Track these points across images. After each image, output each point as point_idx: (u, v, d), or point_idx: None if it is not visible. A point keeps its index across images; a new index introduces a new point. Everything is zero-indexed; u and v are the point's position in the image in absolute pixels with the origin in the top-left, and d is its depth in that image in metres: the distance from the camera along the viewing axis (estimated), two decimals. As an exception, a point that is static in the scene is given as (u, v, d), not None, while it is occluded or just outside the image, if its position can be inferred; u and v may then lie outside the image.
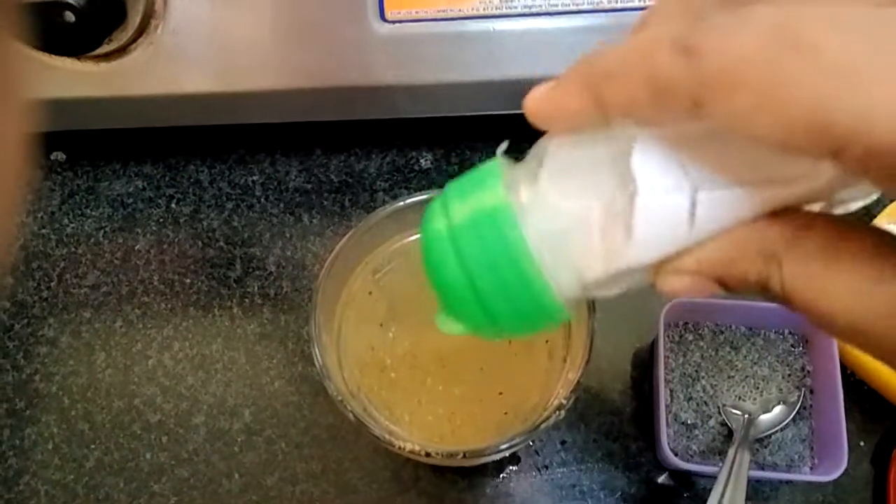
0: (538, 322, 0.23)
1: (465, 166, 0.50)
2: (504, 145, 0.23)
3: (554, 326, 0.23)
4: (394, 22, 0.40)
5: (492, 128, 0.49)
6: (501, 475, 0.42)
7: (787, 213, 0.19)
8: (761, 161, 0.19)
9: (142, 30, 0.39)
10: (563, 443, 0.43)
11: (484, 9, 0.39)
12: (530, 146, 0.22)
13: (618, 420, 0.43)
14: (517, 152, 0.23)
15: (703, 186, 0.19)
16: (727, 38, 0.16)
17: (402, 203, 0.35)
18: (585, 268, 0.21)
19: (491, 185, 0.22)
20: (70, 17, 0.35)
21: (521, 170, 0.22)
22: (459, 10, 0.39)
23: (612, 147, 0.20)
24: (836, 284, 0.17)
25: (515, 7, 0.39)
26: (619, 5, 0.39)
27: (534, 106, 0.20)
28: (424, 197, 0.35)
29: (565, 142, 0.21)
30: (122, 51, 0.40)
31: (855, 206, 0.21)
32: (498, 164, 0.22)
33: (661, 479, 0.42)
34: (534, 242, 0.21)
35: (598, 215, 0.20)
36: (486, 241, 0.21)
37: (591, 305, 0.33)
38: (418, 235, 0.37)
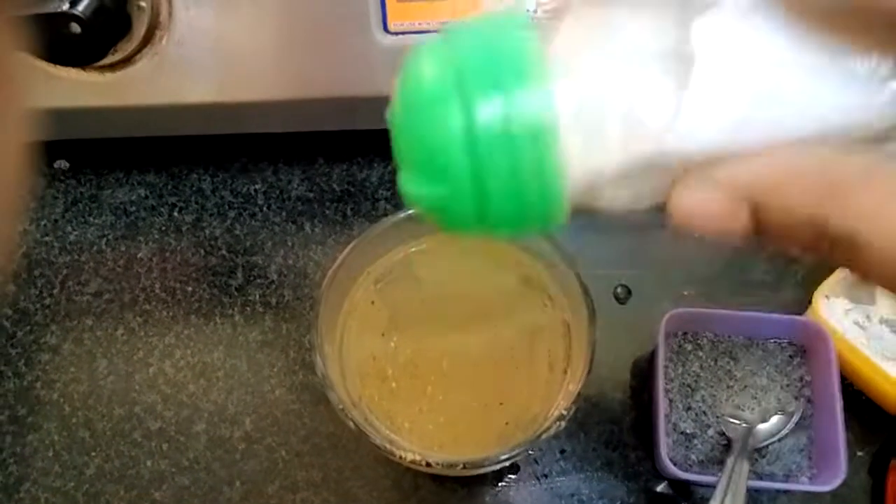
0: (531, 218, 0.19)
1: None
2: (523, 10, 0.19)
3: (541, 228, 0.19)
4: (397, 33, 0.40)
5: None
6: (501, 484, 0.42)
7: (857, 149, 0.16)
8: (854, 56, 0.16)
9: (146, 41, 0.39)
10: (562, 452, 0.43)
11: (486, 21, 0.40)
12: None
13: (617, 429, 0.43)
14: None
15: (781, 72, 0.16)
16: None
17: (404, 214, 0.35)
18: (610, 150, 0.17)
19: (521, 39, 0.17)
20: (76, 28, 0.35)
21: (543, 28, 0.18)
22: (461, 23, 0.40)
23: (672, 5, 0.17)
24: None
25: (517, 20, 0.39)
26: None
27: None
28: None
29: None
30: (126, 61, 0.40)
31: None
32: (522, 16, 0.18)
33: (660, 488, 0.42)
34: (562, 116, 0.17)
35: (641, 81, 0.17)
36: (508, 106, 0.17)
37: (592, 316, 0.33)
38: (421, 246, 0.38)
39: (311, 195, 0.49)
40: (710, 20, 0.16)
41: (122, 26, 0.38)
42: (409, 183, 0.19)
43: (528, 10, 0.19)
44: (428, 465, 0.32)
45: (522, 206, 0.18)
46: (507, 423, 0.34)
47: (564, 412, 0.31)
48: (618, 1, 0.17)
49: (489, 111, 0.17)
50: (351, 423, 0.32)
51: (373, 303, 0.37)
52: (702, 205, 0.17)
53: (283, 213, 0.49)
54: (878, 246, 0.15)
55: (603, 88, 0.17)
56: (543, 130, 0.17)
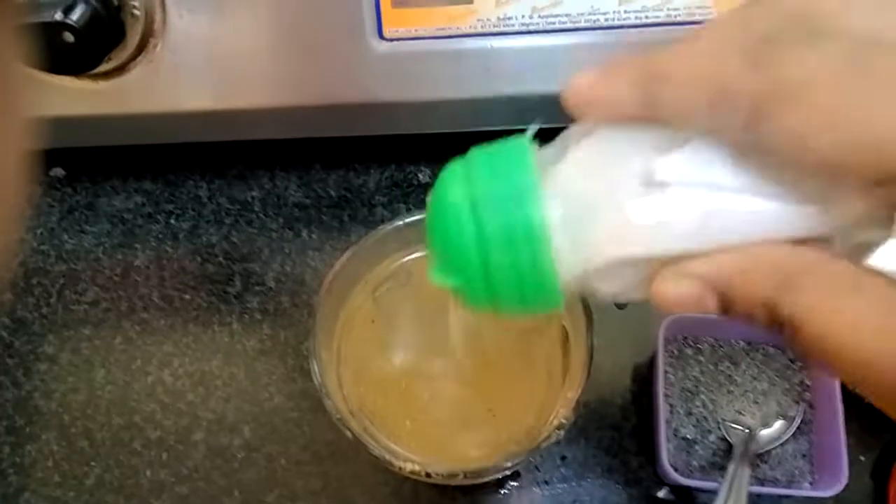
0: (532, 304, 0.23)
1: (463, 181, 0.50)
2: (534, 127, 0.23)
3: (543, 312, 0.24)
4: (392, 40, 0.40)
5: (490, 142, 0.49)
6: (502, 491, 0.42)
7: (807, 245, 0.19)
8: (797, 185, 0.19)
9: (141, 49, 0.39)
10: (563, 458, 0.43)
11: (482, 27, 0.39)
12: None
13: (618, 435, 0.43)
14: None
15: (733, 192, 0.20)
16: (799, 57, 0.17)
17: (401, 222, 0.35)
18: (595, 251, 0.21)
19: (520, 162, 0.22)
20: (69, 37, 0.35)
21: (547, 150, 0.23)
22: (457, 28, 0.39)
23: (643, 139, 0.21)
24: (852, 316, 0.18)
25: (513, 25, 0.39)
26: (615, 23, 0.39)
27: (577, 90, 0.21)
28: (422, 216, 0.35)
29: (594, 129, 0.22)
30: (121, 69, 0.40)
31: (868, 255, 0.21)
32: (527, 142, 0.23)
33: (662, 494, 0.42)
34: (552, 222, 0.21)
35: (619, 197, 0.21)
36: (508, 216, 0.21)
37: (590, 322, 0.33)
38: (419, 254, 0.38)
39: (308, 201, 0.49)
40: (677, 154, 0.20)
41: (116, 34, 0.38)
42: (436, 271, 0.24)
43: (529, 137, 0.23)
44: (427, 475, 0.32)
45: (524, 296, 0.22)
46: (506, 432, 0.34)
47: (564, 420, 0.31)
48: (605, 133, 0.22)
49: (493, 218, 0.21)
50: (349, 433, 0.32)
51: (370, 311, 0.37)
52: (677, 295, 0.20)
53: (280, 220, 0.49)
54: (816, 333, 0.18)
55: (586, 203, 0.21)
56: (536, 236, 0.21)
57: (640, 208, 0.20)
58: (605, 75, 0.21)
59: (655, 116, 0.20)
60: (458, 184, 0.23)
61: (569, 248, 0.21)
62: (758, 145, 0.19)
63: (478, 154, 0.24)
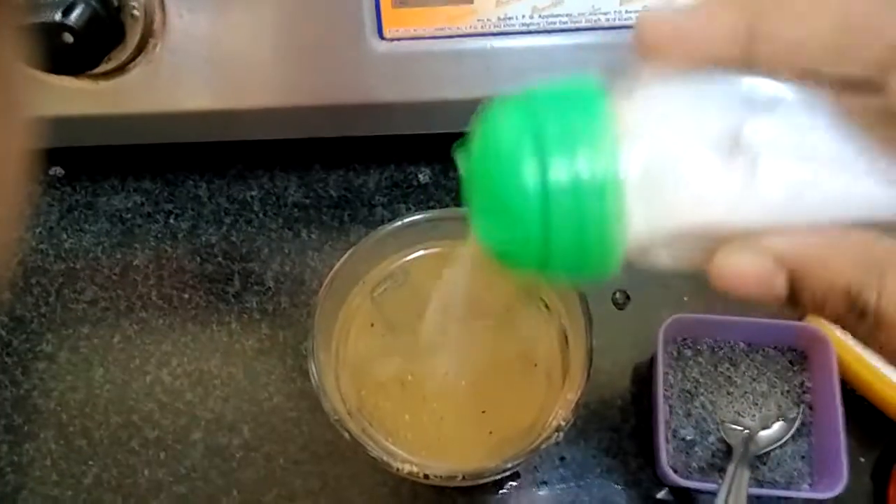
0: (587, 267, 0.20)
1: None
2: (599, 74, 0.21)
3: (595, 277, 0.21)
4: (392, 40, 0.40)
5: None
6: (501, 491, 0.42)
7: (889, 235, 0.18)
8: (884, 174, 0.18)
9: (140, 49, 0.39)
10: (562, 459, 0.42)
11: (482, 27, 0.39)
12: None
13: (617, 436, 0.43)
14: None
15: (828, 165, 0.18)
16: None
17: (400, 222, 0.35)
18: (668, 215, 0.19)
19: (594, 107, 0.19)
20: (69, 37, 0.35)
21: (617, 96, 0.20)
22: (457, 28, 0.39)
23: (732, 91, 0.19)
24: None
25: (513, 25, 0.39)
26: (616, 23, 0.39)
27: (657, 25, 0.19)
28: (423, 216, 0.35)
29: (671, 73, 0.19)
30: (120, 69, 0.40)
31: None
32: (600, 84, 0.20)
33: (661, 495, 0.42)
34: (627, 179, 0.19)
35: (701, 159, 0.19)
36: (580, 164, 0.19)
37: (589, 323, 0.33)
38: (417, 254, 0.38)
39: (308, 201, 0.49)
40: (771, 115, 0.18)
41: (116, 35, 0.38)
42: (481, 225, 0.21)
43: (600, 80, 0.20)
44: (426, 476, 0.32)
45: (582, 257, 0.20)
46: (505, 433, 0.34)
47: (563, 422, 0.31)
48: (687, 81, 0.19)
49: (561, 170, 0.19)
50: (346, 435, 0.32)
51: (369, 311, 0.37)
52: (743, 269, 0.18)
53: (280, 220, 0.49)
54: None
55: (665, 160, 0.19)
56: (608, 191, 0.19)
57: (723, 173, 0.18)
58: (696, 19, 0.18)
59: (756, 60, 0.18)
60: (517, 122, 0.20)
61: (640, 209, 0.19)
62: (872, 110, 0.17)
63: (541, 92, 0.20)
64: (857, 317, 0.17)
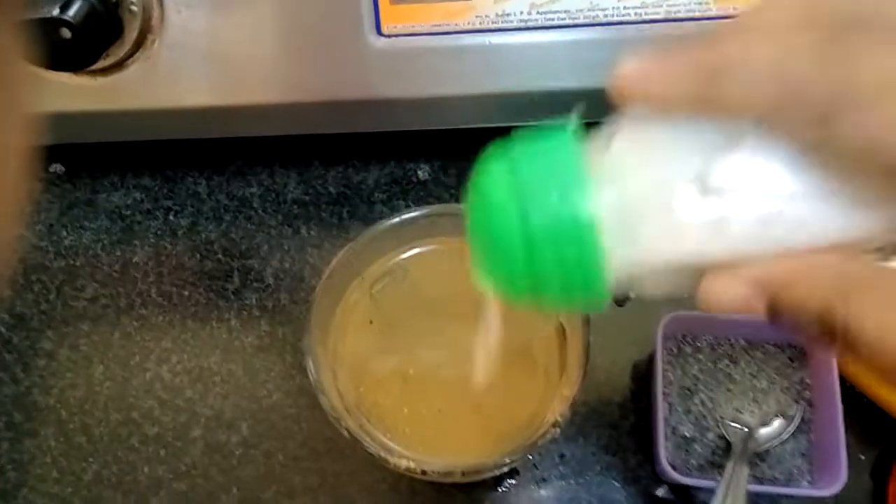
0: (577, 299, 0.22)
1: (462, 178, 0.49)
2: (575, 116, 0.22)
3: (587, 307, 0.24)
4: (390, 36, 0.40)
5: (489, 140, 0.49)
6: (500, 488, 0.42)
7: (863, 257, 0.19)
8: (858, 189, 0.19)
9: (138, 45, 0.39)
10: (561, 456, 0.42)
11: (480, 23, 0.39)
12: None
13: (616, 433, 0.43)
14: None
15: (792, 195, 0.19)
16: (874, 57, 0.17)
17: (398, 219, 0.35)
18: (646, 252, 0.21)
19: (567, 156, 0.21)
20: (66, 33, 0.35)
21: (592, 143, 0.22)
22: (455, 25, 0.39)
23: (697, 134, 0.20)
24: None
25: (511, 21, 0.39)
26: (614, 19, 0.39)
27: (626, 77, 0.20)
28: (421, 212, 0.35)
29: (642, 121, 0.21)
30: (118, 66, 0.40)
31: None
32: (573, 134, 0.22)
33: (660, 492, 0.41)
34: (602, 221, 0.20)
35: (673, 198, 0.20)
36: (556, 212, 0.20)
37: (586, 320, 0.32)
38: (415, 251, 0.38)
39: (307, 198, 0.49)
40: (735, 155, 0.20)
41: (114, 31, 0.38)
42: (479, 265, 0.24)
43: (577, 122, 0.22)
44: (424, 472, 0.32)
45: (569, 291, 0.22)
46: (503, 429, 0.34)
47: (559, 417, 0.30)
48: (658, 126, 0.21)
49: (540, 215, 0.21)
50: (344, 431, 0.32)
51: (367, 308, 0.37)
52: (726, 295, 0.20)
53: (279, 217, 0.49)
54: (871, 342, 0.18)
55: (639, 201, 0.20)
56: (584, 234, 0.20)
57: (695, 211, 0.20)
58: (659, 63, 0.20)
59: (713, 110, 0.19)
60: (500, 176, 0.22)
61: (618, 248, 0.21)
62: (824, 146, 0.18)
63: (520, 146, 0.22)
64: (831, 337, 0.19)
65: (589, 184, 0.20)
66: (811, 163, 0.19)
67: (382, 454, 0.31)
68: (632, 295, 0.22)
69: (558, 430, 0.31)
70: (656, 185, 0.20)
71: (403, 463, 0.31)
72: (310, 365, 0.32)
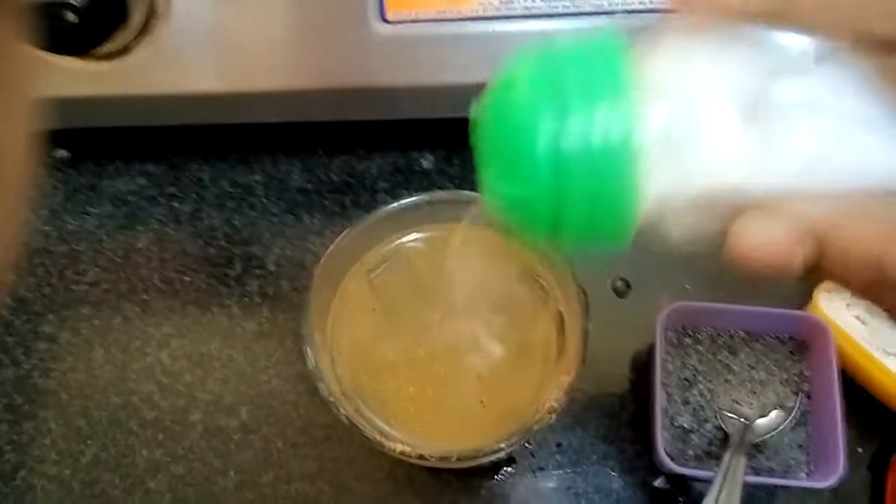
0: (599, 233, 0.20)
1: (466, 167, 0.50)
2: (618, 28, 0.21)
3: (605, 246, 0.20)
4: (394, 23, 0.40)
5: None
6: (497, 476, 0.42)
7: None
8: None
9: (144, 30, 0.39)
10: (558, 445, 0.42)
11: (484, 10, 0.39)
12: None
13: (614, 423, 0.43)
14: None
15: (858, 129, 0.17)
16: None
17: (397, 204, 0.35)
18: (687, 178, 0.18)
19: (615, 64, 0.18)
20: (71, 16, 0.35)
21: (639, 52, 0.19)
22: (459, 12, 0.39)
23: (760, 51, 0.18)
24: None
25: (515, 9, 0.39)
26: (619, 7, 0.39)
27: None
28: (419, 199, 0.35)
29: (698, 30, 0.19)
30: (124, 50, 0.40)
31: None
32: (621, 40, 0.19)
33: (658, 482, 0.41)
34: (645, 140, 0.18)
35: (722, 120, 0.18)
36: (597, 123, 0.18)
37: (585, 307, 0.33)
38: (414, 236, 0.38)
39: (310, 186, 0.49)
40: (795, 75, 0.18)
41: (119, 15, 0.38)
42: (492, 179, 0.20)
43: (620, 36, 0.19)
44: (420, 457, 0.32)
45: (594, 219, 0.19)
46: (501, 415, 0.34)
47: (556, 404, 0.31)
48: (715, 38, 0.18)
49: (579, 126, 0.18)
50: (343, 416, 0.32)
51: (365, 293, 0.37)
52: (764, 236, 0.17)
53: (282, 204, 0.49)
54: None
55: (688, 119, 0.18)
56: (626, 150, 0.18)
57: (748, 134, 0.18)
58: None
59: (787, 20, 0.17)
60: (536, 75, 0.19)
61: (659, 170, 0.18)
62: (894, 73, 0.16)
63: (563, 46, 0.19)
64: (883, 285, 0.17)
65: (638, 99, 0.18)
66: (876, 94, 0.17)
67: (379, 439, 0.31)
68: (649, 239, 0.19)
69: (554, 416, 0.31)
70: (706, 104, 0.18)
71: (399, 447, 0.31)
72: (308, 351, 0.32)
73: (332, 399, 0.32)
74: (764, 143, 0.18)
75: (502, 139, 0.20)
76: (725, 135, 0.18)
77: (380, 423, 0.34)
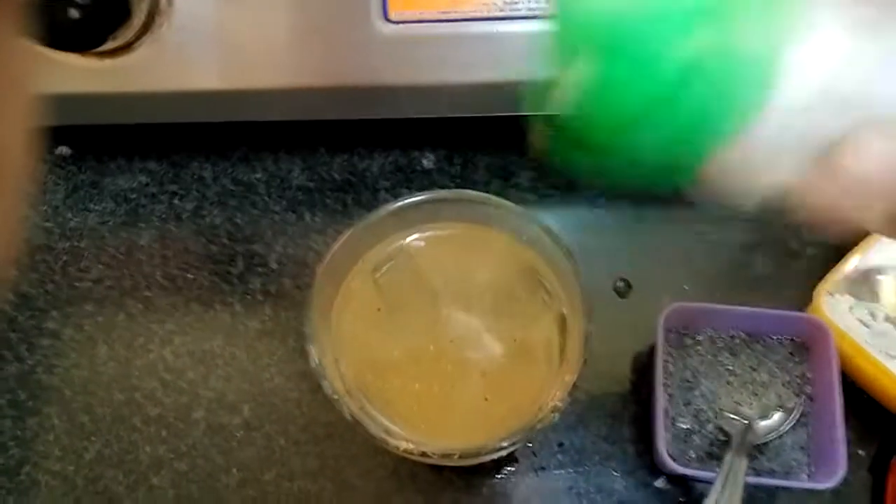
0: (673, 161, 0.19)
1: (467, 167, 0.50)
2: None
3: (664, 178, 0.19)
4: (397, 22, 0.40)
5: (495, 129, 0.49)
6: (499, 475, 0.42)
7: None
8: None
9: (146, 27, 0.39)
10: (560, 445, 0.43)
11: (487, 11, 0.39)
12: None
13: (616, 424, 0.43)
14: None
15: None
16: None
17: (400, 203, 0.35)
18: (794, 93, 0.17)
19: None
20: (74, 13, 0.35)
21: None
22: (463, 12, 0.39)
23: None
24: None
25: (519, 9, 0.39)
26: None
27: None
28: (423, 197, 0.35)
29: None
30: (126, 48, 0.40)
31: None
32: None
33: (659, 483, 0.42)
34: (783, 41, 0.17)
35: (838, 48, 0.17)
36: (724, 38, 0.17)
37: (587, 306, 0.33)
38: (417, 235, 0.38)
39: (312, 185, 0.49)
40: None
41: (122, 12, 0.38)
42: (579, 56, 0.19)
43: None
44: (423, 454, 0.32)
45: (673, 146, 0.18)
46: (503, 414, 0.34)
47: (559, 403, 0.31)
48: None
49: (706, 37, 0.17)
50: (346, 413, 0.32)
51: (369, 291, 0.37)
52: (882, 156, 0.16)
53: (284, 203, 0.49)
54: None
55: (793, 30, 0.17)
56: (767, 54, 0.17)
57: (856, 58, 0.17)
58: None
59: None
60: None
61: (759, 102, 0.17)
62: None
63: None
64: None
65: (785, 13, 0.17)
66: None
67: (383, 436, 0.31)
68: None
69: (557, 415, 0.31)
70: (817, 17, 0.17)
71: (403, 444, 0.31)
72: (311, 349, 0.32)
73: (335, 397, 0.32)
74: (880, 58, 0.17)
75: (611, 18, 0.18)
76: (842, 62, 0.17)
77: (383, 421, 0.34)
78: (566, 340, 0.34)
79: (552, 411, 0.31)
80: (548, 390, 0.34)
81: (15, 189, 0.16)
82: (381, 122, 0.48)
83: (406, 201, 0.35)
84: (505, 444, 0.31)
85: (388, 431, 0.33)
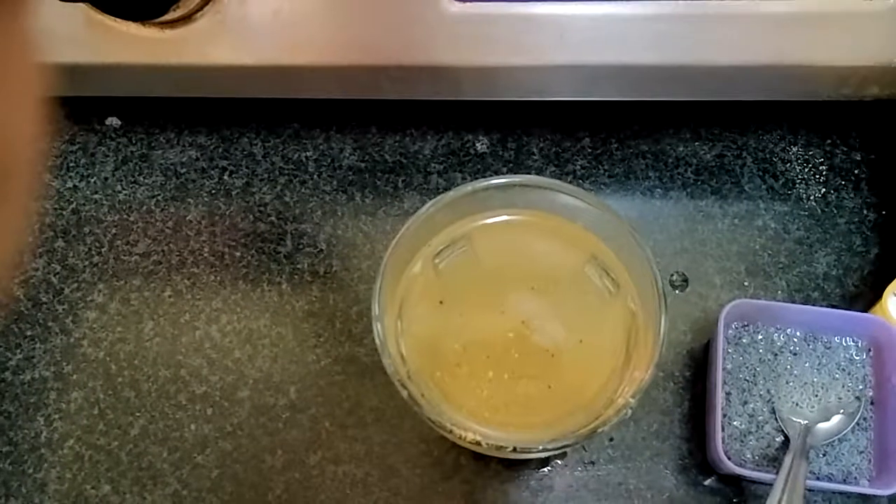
0: None
1: (521, 152, 0.49)
2: None
3: None
4: (465, 1, 0.39)
5: (549, 113, 0.48)
6: (546, 468, 0.41)
7: None
8: None
9: (210, -3, 0.38)
10: (610, 440, 0.42)
11: (559, -9, 0.38)
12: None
13: (668, 420, 0.42)
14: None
15: None
16: None
17: (471, 187, 0.34)
18: None
19: None
20: (142, -20, 0.34)
21: None
22: (534, -8, 0.38)
23: None
24: None
25: (592, -9, 0.38)
26: (700, -6, 0.38)
27: None
28: (497, 182, 0.34)
29: None
30: (187, 18, 0.39)
31: None
32: None
33: (709, 482, 0.41)
34: None
35: None
36: None
37: (661, 301, 0.32)
38: (484, 222, 0.37)
39: (363, 165, 0.49)
40: None
41: (187, -19, 0.37)
42: None
43: None
44: (478, 444, 0.31)
45: None
46: (566, 408, 0.33)
47: (631, 399, 0.30)
48: None
49: None
50: (406, 395, 0.31)
51: (432, 277, 0.36)
52: None
53: (334, 182, 0.48)
54: None
55: None
56: None
57: None
58: None
59: None
60: None
61: None
62: None
63: None
64: None
65: None
66: None
67: (441, 420, 0.31)
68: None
69: (628, 412, 0.30)
70: None
71: (462, 433, 0.31)
72: (377, 329, 0.32)
73: (398, 379, 0.31)
74: None
75: None
76: None
77: (442, 408, 0.34)
78: (634, 335, 0.33)
79: (622, 408, 0.30)
80: (613, 385, 0.33)
81: (19, 194, 0.15)
82: (435, 103, 0.47)
83: (470, 187, 0.34)
84: (569, 442, 0.30)
85: (450, 420, 0.32)
